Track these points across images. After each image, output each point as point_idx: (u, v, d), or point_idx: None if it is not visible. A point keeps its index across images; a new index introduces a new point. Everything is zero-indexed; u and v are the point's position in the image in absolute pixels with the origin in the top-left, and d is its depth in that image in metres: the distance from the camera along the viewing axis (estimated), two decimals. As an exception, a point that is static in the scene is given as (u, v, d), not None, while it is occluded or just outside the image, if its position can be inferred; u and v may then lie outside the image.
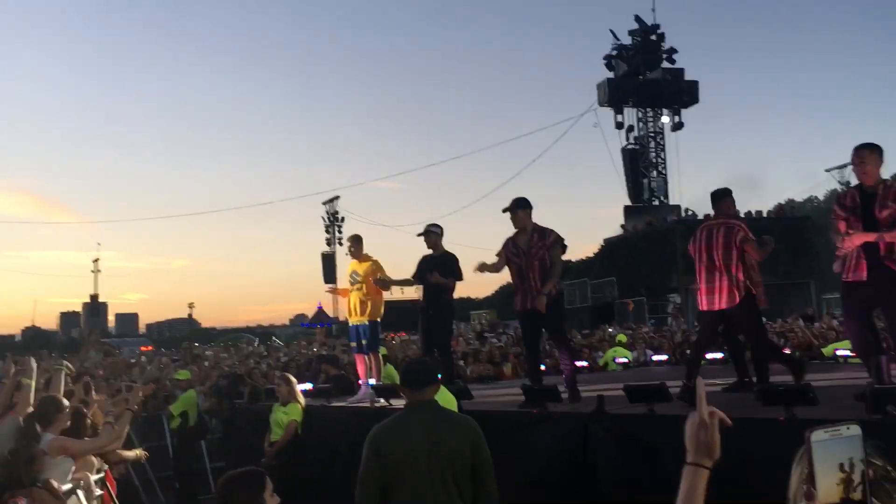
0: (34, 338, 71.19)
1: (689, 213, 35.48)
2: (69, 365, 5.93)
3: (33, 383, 5.61)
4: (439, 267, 7.80)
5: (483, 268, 6.91)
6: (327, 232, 44.86)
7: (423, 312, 7.99)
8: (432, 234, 7.97)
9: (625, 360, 12.51)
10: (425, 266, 7.96)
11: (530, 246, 6.52)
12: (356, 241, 8.52)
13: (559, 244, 6.57)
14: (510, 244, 6.69)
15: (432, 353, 7.75)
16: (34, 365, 5.77)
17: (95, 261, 56.59)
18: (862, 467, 1.28)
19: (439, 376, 4.38)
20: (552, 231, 6.60)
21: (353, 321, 8.41)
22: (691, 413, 1.67)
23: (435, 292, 7.87)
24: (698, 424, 1.64)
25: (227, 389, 10.32)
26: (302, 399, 7.92)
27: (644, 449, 4.88)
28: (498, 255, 6.81)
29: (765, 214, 35.39)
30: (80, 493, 4.93)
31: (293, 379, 8.17)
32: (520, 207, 6.64)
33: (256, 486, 2.98)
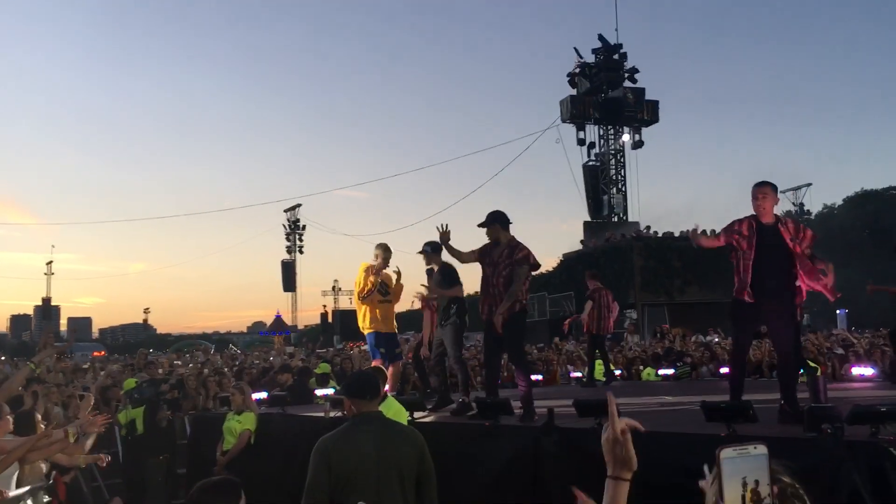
0: (-18, 340, 69.41)
1: (648, 230, 36.00)
2: (31, 363, 5.83)
3: None
4: (439, 280, 7.78)
5: (451, 248, 7.08)
6: (288, 239, 44.66)
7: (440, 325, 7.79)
8: (424, 252, 7.96)
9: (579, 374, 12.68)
10: (430, 281, 7.97)
11: (500, 259, 6.62)
12: (390, 251, 8.37)
13: (526, 262, 6.60)
14: (487, 249, 6.78)
15: (443, 364, 7.76)
16: None
17: (49, 263, 55.40)
18: (767, 483, 1.40)
19: (386, 388, 4.51)
20: (524, 248, 6.64)
21: (378, 330, 8.30)
22: (605, 427, 1.76)
23: (445, 306, 7.69)
24: (613, 440, 1.72)
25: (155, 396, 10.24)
26: (255, 408, 7.93)
27: (592, 462, 4.99)
28: (474, 251, 6.90)
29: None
30: (30, 500, 4.90)
31: (247, 388, 8.16)
32: (495, 221, 6.76)
33: (232, 496, 2.88)
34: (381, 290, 8.31)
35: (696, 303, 30.31)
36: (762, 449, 1.44)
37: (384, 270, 8.29)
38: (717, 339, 17.65)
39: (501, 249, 6.65)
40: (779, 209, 5.80)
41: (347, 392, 4.26)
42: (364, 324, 8.38)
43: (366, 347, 10.92)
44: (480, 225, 6.81)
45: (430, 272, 8.07)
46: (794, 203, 49.83)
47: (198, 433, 9.68)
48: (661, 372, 12.49)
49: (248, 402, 7.85)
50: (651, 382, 12.31)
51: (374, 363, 8.06)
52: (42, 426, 5.70)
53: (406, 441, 4.10)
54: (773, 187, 5.60)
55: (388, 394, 6.21)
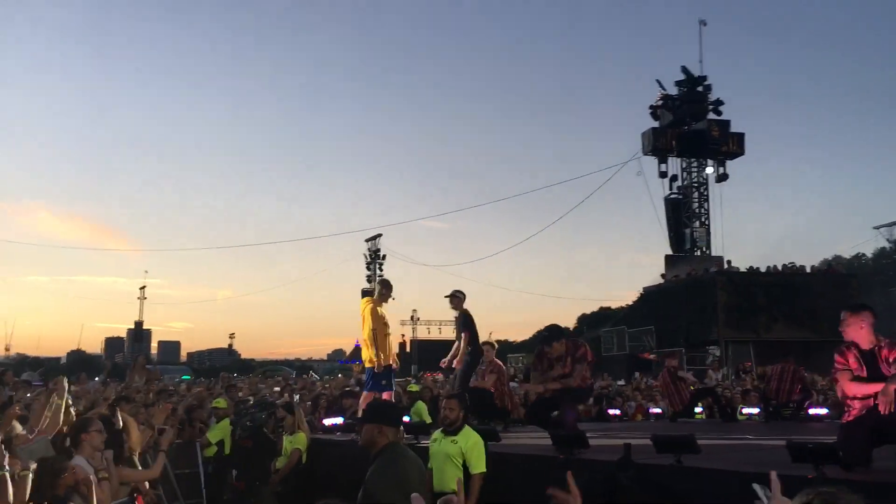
0: (78, 361, 72.48)
1: (731, 265, 35.09)
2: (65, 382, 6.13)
3: (63, 403, 5.81)
4: (460, 325, 9.25)
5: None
6: (368, 269, 45.27)
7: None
8: (455, 297, 9.26)
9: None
10: (456, 324, 9.56)
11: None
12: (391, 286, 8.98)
13: (585, 359, 7.42)
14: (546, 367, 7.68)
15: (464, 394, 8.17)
16: (66, 384, 6.00)
17: (142, 288, 57.69)
18: None
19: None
20: (581, 346, 7.60)
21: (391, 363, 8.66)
22: None
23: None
24: None
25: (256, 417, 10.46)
26: (307, 429, 8.14)
27: (668, 498, 4.88)
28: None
29: (808, 270, 34.90)
30: None
31: (299, 410, 8.35)
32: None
33: None
34: (386, 323, 8.76)
35: (784, 341, 29.27)
36: None
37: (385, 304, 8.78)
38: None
39: (562, 356, 7.43)
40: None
41: (388, 421, 4.23)
42: (383, 357, 8.50)
43: (440, 376, 11.32)
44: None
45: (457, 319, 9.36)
46: (888, 239, 47.73)
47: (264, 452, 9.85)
48: (745, 411, 12.11)
49: (300, 423, 8.07)
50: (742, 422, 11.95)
51: (386, 395, 8.43)
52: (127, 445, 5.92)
53: (421, 466, 4.38)
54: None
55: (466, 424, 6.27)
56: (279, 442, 9.54)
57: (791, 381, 11.25)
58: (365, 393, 8.68)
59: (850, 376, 5.09)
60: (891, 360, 4.97)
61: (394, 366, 8.64)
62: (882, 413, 4.79)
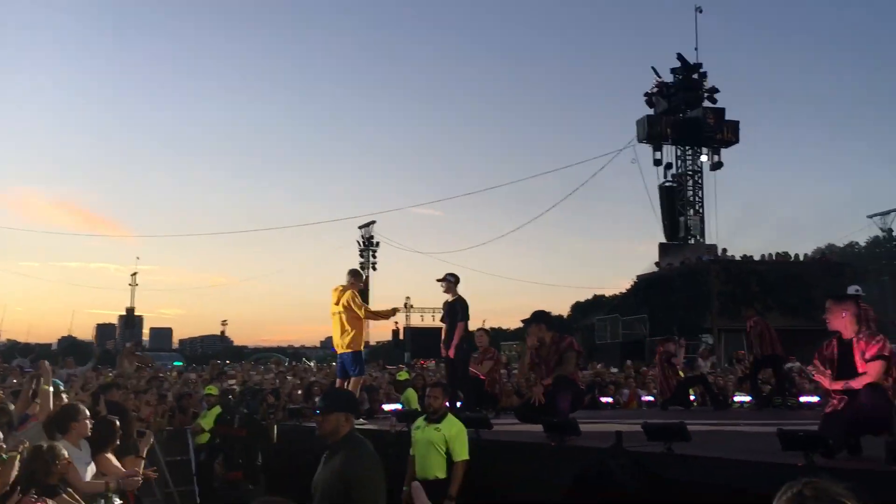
0: (69, 347, 72.30)
1: (724, 252, 35.08)
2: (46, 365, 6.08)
3: (50, 388, 5.77)
4: (452, 311, 8.97)
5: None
6: (362, 256, 45.19)
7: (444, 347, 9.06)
8: (447, 281, 9.08)
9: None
10: (444, 310, 9.21)
11: (550, 356, 7.62)
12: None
13: (572, 349, 7.60)
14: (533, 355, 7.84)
15: (455, 382, 8.34)
16: (49, 368, 5.96)
17: (134, 274, 57.33)
18: None
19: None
20: (567, 337, 7.76)
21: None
22: None
23: (448, 333, 8.95)
24: None
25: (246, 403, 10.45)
26: None
27: (660, 485, 4.87)
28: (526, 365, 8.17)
29: (801, 258, 34.95)
30: (102, 501, 5.06)
31: None
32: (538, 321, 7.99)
33: None
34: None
35: (778, 329, 29.32)
36: None
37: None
38: (795, 367, 16.93)
39: (548, 349, 7.56)
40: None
41: (349, 408, 4.12)
42: (359, 340, 8.84)
43: (431, 364, 11.42)
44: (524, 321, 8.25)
45: (446, 304, 9.11)
46: (882, 228, 47.83)
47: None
48: (737, 399, 12.14)
49: None
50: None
51: (361, 380, 8.92)
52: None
53: None
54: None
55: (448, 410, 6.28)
56: (270, 428, 9.51)
57: (768, 331, 11.14)
58: (355, 378, 8.69)
59: (825, 379, 5.12)
60: (867, 355, 4.98)
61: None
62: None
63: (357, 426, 8.26)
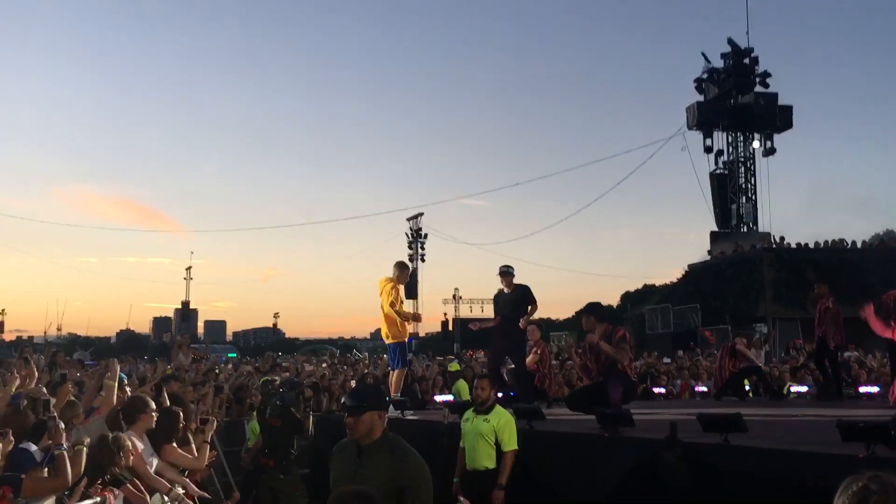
0: (127, 341, 74.15)
1: (783, 241, 34.35)
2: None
3: (115, 384, 5.95)
4: (517, 302, 8.88)
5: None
6: (410, 248, 45.42)
7: (498, 341, 9.09)
8: (510, 275, 9.06)
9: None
10: (501, 302, 9.09)
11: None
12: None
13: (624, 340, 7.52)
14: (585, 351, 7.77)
15: (500, 373, 8.50)
16: (117, 367, 6.14)
17: (188, 268, 58.47)
18: None
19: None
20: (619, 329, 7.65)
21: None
22: None
23: (512, 324, 8.85)
24: None
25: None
26: None
27: (714, 477, 4.83)
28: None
29: (859, 245, 34.04)
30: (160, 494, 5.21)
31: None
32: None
33: None
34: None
35: (833, 318, 28.65)
36: None
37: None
38: (854, 357, 16.58)
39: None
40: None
41: (381, 405, 3.80)
42: (399, 332, 8.97)
43: (480, 355, 11.52)
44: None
45: (499, 294, 9.09)
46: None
47: (320, 434, 9.96)
48: (794, 389, 11.92)
49: None
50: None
51: (400, 372, 8.96)
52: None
53: None
54: None
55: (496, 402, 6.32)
56: (306, 422, 9.68)
57: (835, 322, 10.93)
58: (397, 371, 8.83)
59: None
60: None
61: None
62: None
63: (409, 417, 8.46)
